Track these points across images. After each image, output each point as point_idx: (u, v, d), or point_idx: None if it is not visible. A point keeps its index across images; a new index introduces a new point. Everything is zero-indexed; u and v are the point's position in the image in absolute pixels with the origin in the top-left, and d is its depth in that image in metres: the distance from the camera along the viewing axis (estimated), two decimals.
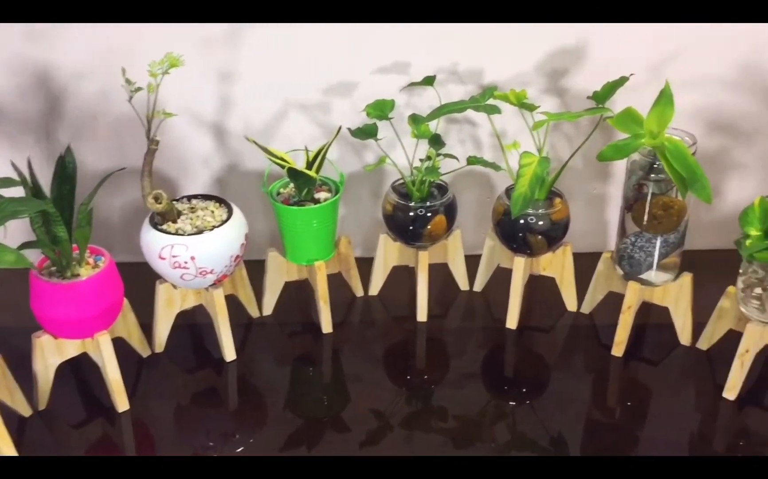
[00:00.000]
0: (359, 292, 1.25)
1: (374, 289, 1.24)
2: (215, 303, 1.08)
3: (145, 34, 1.10)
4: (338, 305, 1.21)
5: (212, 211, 1.07)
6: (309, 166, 1.09)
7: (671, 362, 1.12)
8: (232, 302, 1.15)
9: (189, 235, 1.01)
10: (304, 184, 1.09)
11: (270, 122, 1.20)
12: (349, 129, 1.12)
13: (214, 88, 1.17)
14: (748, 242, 0.96)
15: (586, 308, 1.19)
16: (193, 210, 1.07)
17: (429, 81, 1.11)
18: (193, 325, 1.18)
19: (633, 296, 1.08)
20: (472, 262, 1.25)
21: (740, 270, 1.01)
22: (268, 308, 1.20)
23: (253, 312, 1.20)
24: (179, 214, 1.05)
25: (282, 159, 1.07)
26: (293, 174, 1.07)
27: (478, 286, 1.25)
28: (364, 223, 1.30)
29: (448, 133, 1.22)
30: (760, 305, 0.99)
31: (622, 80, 1.04)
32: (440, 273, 1.25)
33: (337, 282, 1.22)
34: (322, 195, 1.12)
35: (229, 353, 1.11)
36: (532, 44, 1.15)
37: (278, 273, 1.18)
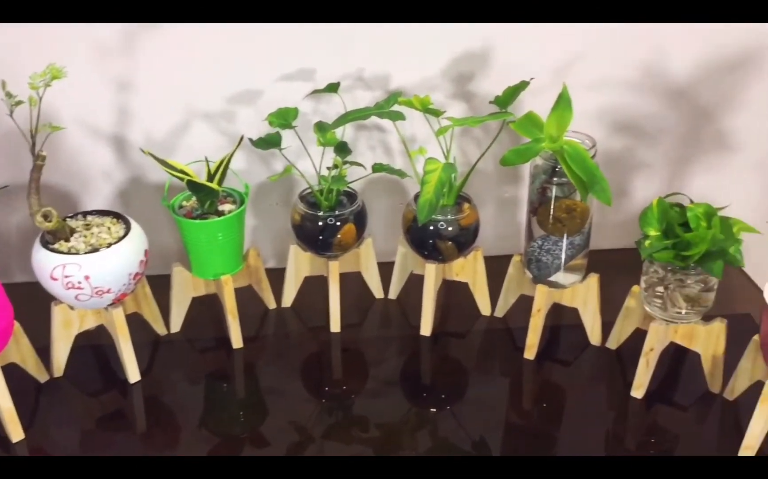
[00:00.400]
0: (272, 305, 1.22)
1: (287, 301, 1.22)
2: (115, 323, 1.03)
3: (32, 39, 1.04)
4: (250, 318, 1.18)
5: (109, 228, 1.02)
6: (210, 177, 1.05)
7: (583, 362, 1.13)
8: (137, 320, 1.11)
9: (83, 253, 0.97)
10: (206, 196, 1.05)
11: (172, 132, 1.16)
12: (250, 139, 1.09)
13: (113, 97, 1.13)
14: (647, 243, 0.97)
15: (500, 312, 1.19)
16: (87, 227, 1.02)
17: (333, 88, 1.09)
18: (96, 346, 1.13)
19: (541, 299, 1.08)
20: (387, 270, 1.23)
21: (643, 270, 1.02)
22: (175, 325, 1.16)
23: (160, 330, 1.15)
24: (72, 231, 1.00)
25: (182, 171, 1.04)
26: (193, 186, 1.03)
27: (392, 294, 1.24)
28: (275, 234, 1.27)
29: (357, 139, 1.21)
30: (662, 304, 1.00)
31: (523, 84, 1.04)
32: (355, 282, 1.24)
33: (248, 295, 1.19)
34: (226, 207, 1.09)
35: (133, 374, 1.07)
36: (437, 48, 1.15)
37: (185, 289, 1.14)
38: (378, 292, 1.24)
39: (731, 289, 1.22)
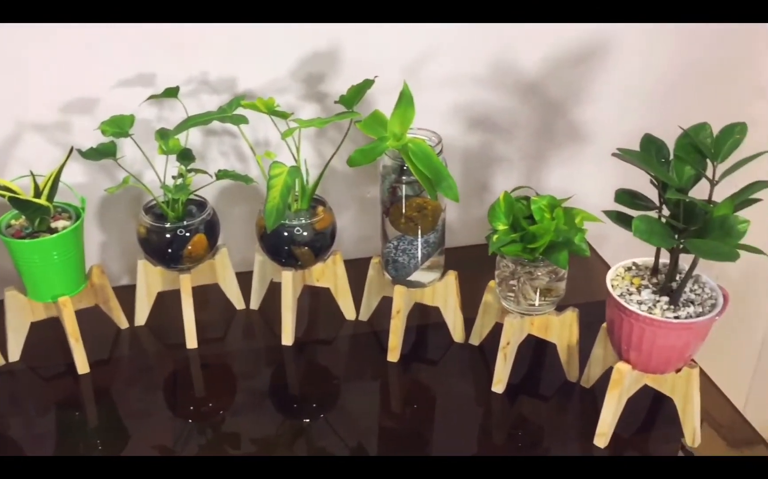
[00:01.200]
0: (123, 324, 1.14)
1: (140, 319, 1.15)
2: None
3: None
4: (101, 339, 1.11)
5: None
6: (38, 193, 0.97)
7: (448, 361, 1.11)
8: None
9: None
10: (34, 213, 0.97)
11: (1, 146, 1.08)
12: (79, 150, 1.02)
13: None
14: (495, 237, 0.97)
15: (364, 315, 1.17)
16: None
17: (172, 92, 1.04)
18: None
19: (400, 299, 1.07)
20: (247, 279, 1.19)
21: (496, 265, 1.02)
22: (14, 354, 1.07)
23: None
24: None
25: (6, 188, 0.95)
26: (18, 204, 0.95)
27: (254, 304, 1.19)
28: (125, 249, 1.20)
29: (208, 146, 1.15)
30: (514, 297, 1.00)
31: (368, 83, 1.02)
32: (214, 294, 1.18)
33: (97, 315, 1.11)
34: (60, 223, 1.01)
35: None
36: (284, 49, 1.11)
37: (21, 314, 1.05)
38: (239, 303, 1.19)
39: (588, 278, 1.25)
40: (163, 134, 1.03)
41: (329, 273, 1.14)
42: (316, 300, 1.21)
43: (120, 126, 1.00)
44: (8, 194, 0.93)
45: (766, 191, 0.82)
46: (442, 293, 1.10)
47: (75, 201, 1.04)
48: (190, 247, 1.06)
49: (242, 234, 1.22)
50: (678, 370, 0.93)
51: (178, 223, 1.05)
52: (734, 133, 0.84)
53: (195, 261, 1.09)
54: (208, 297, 1.19)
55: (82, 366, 1.05)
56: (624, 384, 0.92)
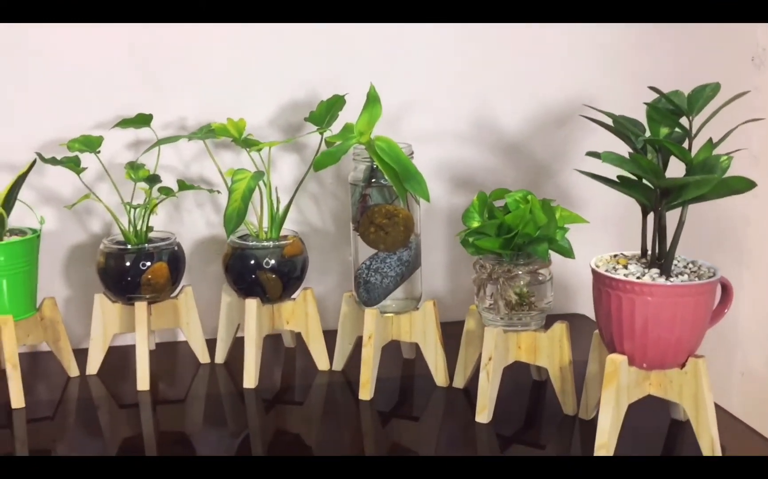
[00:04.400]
0: (73, 372, 1.04)
1: (92, 368, 1.05)
2: None
3: None
4: (46, 383, 1.02)
5: None
6: None
7: (429, 415, 0.98)
8: None
9: None
10: None
11: None
12: (40, 155, 0.98)
13: None
14: (469, 236, 0.90)
15: (338, 363, 1.06)
16: None
17: (145, 120, 1.03)
18: None
19: (371, 323, 0.96)
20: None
21: (472, 269, 0.94)
22: None
23: None
24: None
25: None
26: None
27: (219, 357, 1.09)
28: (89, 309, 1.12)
29: (184, 196, 1.12)
30: (493, 304, 0.91)
31: (338, 99, 1.01)
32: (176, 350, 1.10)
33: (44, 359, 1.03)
34: (14, 239, 0.97)
35: None
36: (264, 98, 1.13)
37: None
38: (202, 356, 1.09)
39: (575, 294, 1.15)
40: (132, 165, 1.02)
41: (300, 313, 1.05)
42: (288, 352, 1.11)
43: (88, 144, 0.99)
44: None
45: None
46: (420, 324, 1.00)
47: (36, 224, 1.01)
48: (149, 276, 1.00)
49: (212, 293, 1.14)
50: (683, 366, 0.81)
51: (138, 246, 1.00)
52: (706, 91, 0.80)
53: (155, 291, 1.01)
54: (168, 352, 1.11)
55: (17, 399, 0.95)
56: (620, 378, 0.80)
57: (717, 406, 0.83)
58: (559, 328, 0.91)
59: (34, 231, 0.99)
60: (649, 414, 0.90)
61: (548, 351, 0.92)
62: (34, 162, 0.98)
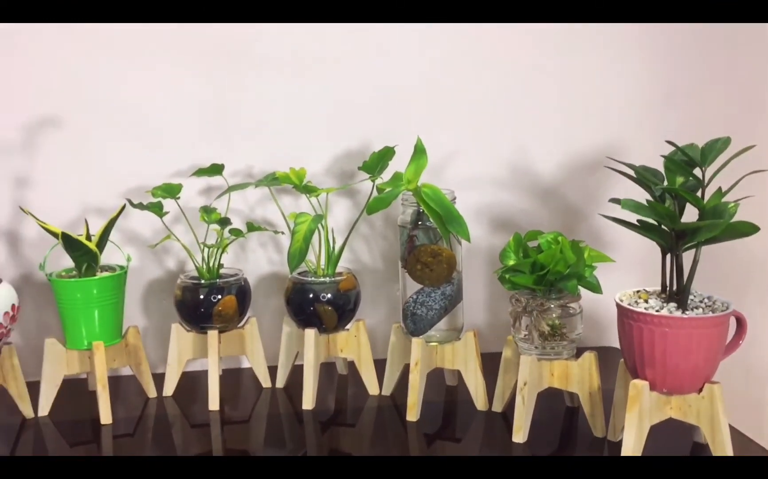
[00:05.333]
0: (152, 393, 1.17)
1: (168, 389, 1.17)
2: None
3: None
4: (127, 404, 1.14)
5: None
6: (89, 238, 1.08)
7: (471, 437, 1.08)
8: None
9: None
10: (82, 257, 1.07)
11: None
12: (129, 201, 1.13)
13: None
14: (506, 273, 1.00)
15: (387, 388, 1.16)
16: None
17: (217, 169, 1.17)
18: None
19: (418, 350, 1.07)
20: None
21: (509, 303, 1.04)
22: (43, 408, 1.10)
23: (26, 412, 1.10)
24: None
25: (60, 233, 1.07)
26: (69, 243, 1.05)
27: (280, 382, 1.21)
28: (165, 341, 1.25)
29: (251, 238, 1.26)
30: (528, 335, 1.01)
31: (389, 150, 1.13)
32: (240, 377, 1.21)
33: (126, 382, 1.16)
34: (105, 274, 1.11)
35: None
36: (320, 152, 1.26)
37: (56, 365, 1.09)
38: (265, 381, 1.21)
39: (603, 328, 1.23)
40: (206, 209, 1.15)
41: (353, 342, 1.16)
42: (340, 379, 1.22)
43: (169, 191, 1.13)
44: (62, 231, 1.04)
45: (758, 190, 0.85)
46: (462, 353, 1.10)
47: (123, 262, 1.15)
48: (220, 308, 1.13)
49: (274, 324, 1.27)
50: (700, 391, 0.90)
51: (211, 281, 1.13)
52: (717, 144, 0.90)
53: (224, 322, 1.14)
54: (234, 377, 1.22)
55: (106, 416, 1.08)
56: (642, 401, 0.89)
57: (733, 429, 0.91)
58: (589, 357, 1.01)
59: (122, 267, 1.13)
60: (673, 438, 0.99)
61: (579, 378, 1.01)
62: (124, 206, 1.12)
